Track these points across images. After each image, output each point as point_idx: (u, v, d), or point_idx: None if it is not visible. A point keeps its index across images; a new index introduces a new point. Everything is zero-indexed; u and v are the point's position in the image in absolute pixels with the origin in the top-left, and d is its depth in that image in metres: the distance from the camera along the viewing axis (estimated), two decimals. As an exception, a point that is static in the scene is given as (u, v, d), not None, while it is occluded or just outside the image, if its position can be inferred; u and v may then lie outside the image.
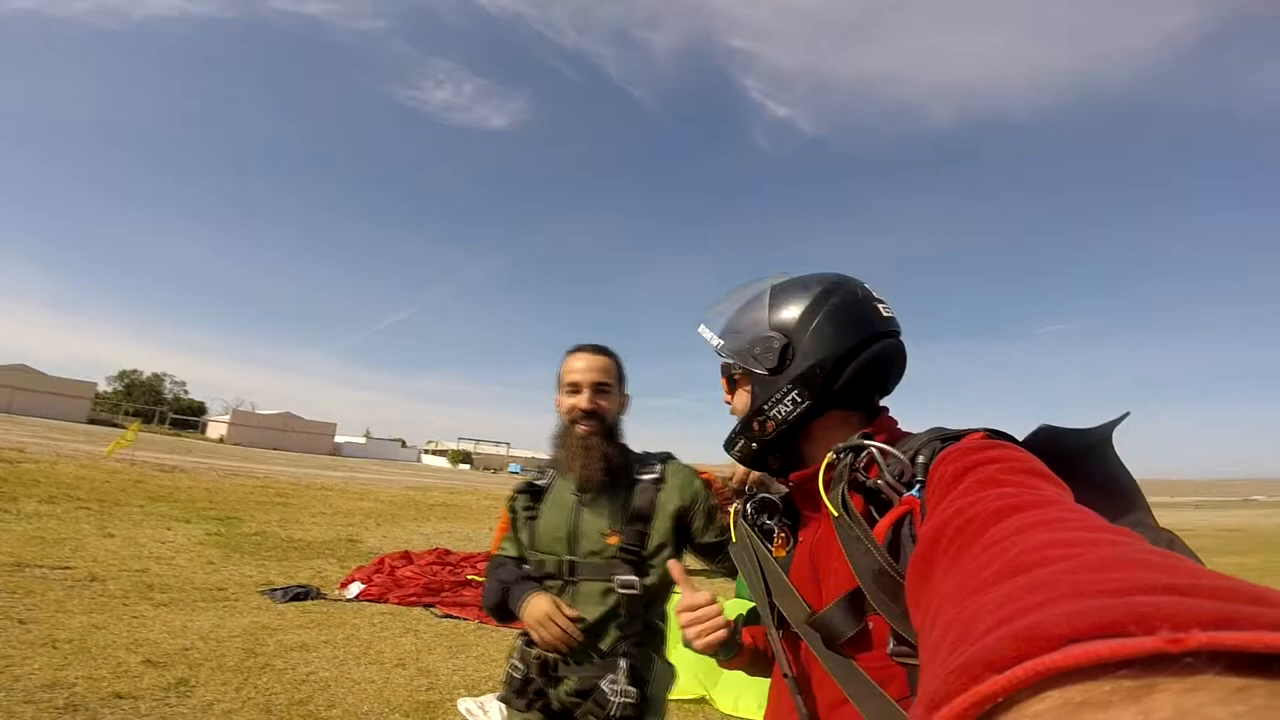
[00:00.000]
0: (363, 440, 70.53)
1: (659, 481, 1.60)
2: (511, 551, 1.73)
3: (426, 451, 78.55)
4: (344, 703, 3.26)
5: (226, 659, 3.59)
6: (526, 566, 1.68)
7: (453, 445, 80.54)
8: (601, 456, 1.58)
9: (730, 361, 1.02)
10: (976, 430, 0.73)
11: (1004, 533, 0.42)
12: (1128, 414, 0.69)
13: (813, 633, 0.82)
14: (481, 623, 5.26)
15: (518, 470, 66.63)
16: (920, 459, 0.72)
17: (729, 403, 1.05)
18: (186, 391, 72.91)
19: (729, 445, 1.02)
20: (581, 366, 1.63)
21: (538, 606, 1.50)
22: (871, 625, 0.76)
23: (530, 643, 1.56)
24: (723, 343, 1.02)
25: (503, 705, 3.34)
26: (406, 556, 7.14)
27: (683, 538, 1.59)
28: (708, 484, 1.63)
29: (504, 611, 1.59)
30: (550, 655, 1.53)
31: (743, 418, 0.99)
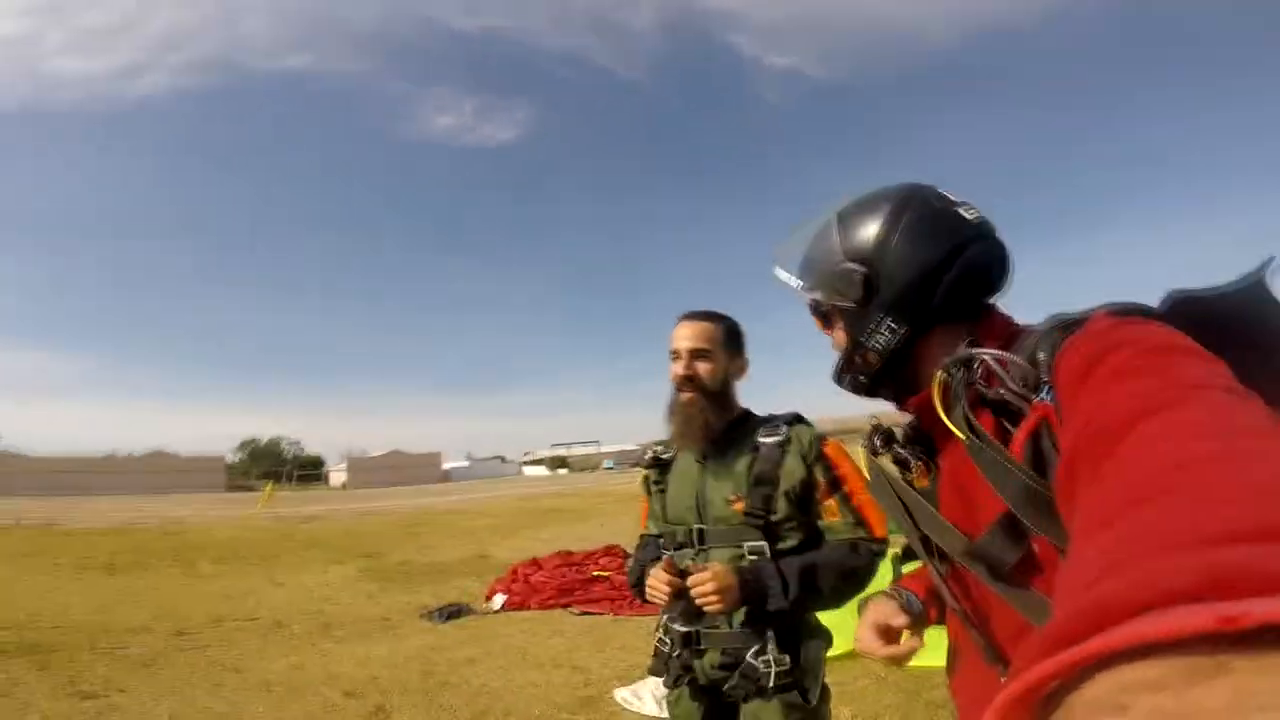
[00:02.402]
0: (467, 463, 73.77)
1: (785, 444, 1.54)
2: (654, 529, 1.77)
3: (525, 463, 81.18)
4: (517, 708, 3.51)
5: (410, 682, 3.96)
6: (662, 539, 1.71)
7: (547, 453, 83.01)
8: (702, 424, 1.56)
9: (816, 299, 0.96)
10: (1101, 308, 0.63)
11: (1131, 449, 0.39)
12: (1274, 258, 0.58)
13: (978, 564, 0.75)
14: (615, 615, 5.50)
15: (611, 466, 67.59)
16: (1041, 356, 0.64)
17: (828, 335, 0.99)
18: (302, 449, 78.74)
19: (837, 378, 0.96)
20: (679, 334, 1.62)
21: (652, 576, 1.51)
22: (1037, 547, 0.69)
23: (674, 617, 1.57)
24: (802, 283, 0.96)
25: (655, 687, 3.52)
26: (535, 563, 7.47)
27: (806, 511, 1.52)
28: (825, 455, 1.54)
29: (643, 589, 1.60)
30: (692, 628, 1.53)
31: (843, 352, 0.94)
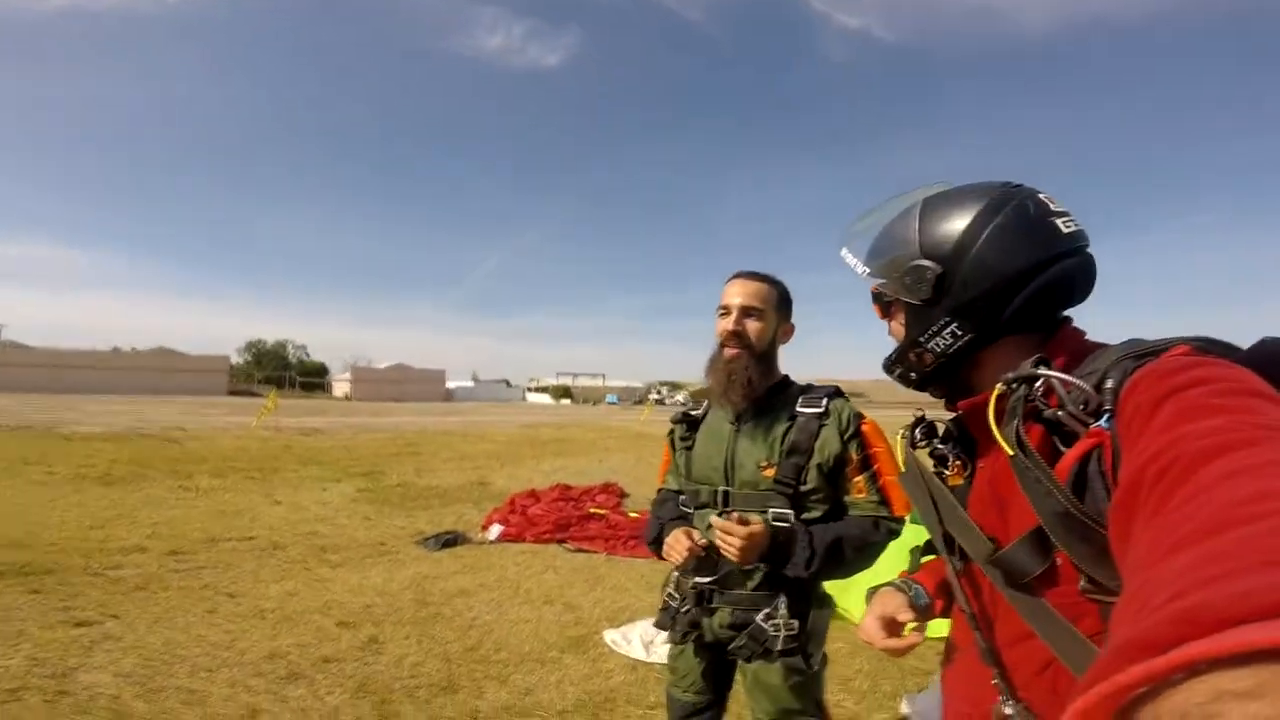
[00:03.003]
0: (471, 384, 74.58)
1: (823, 417, 1.54)
2: (674, 485, 1.78)
3: (530, 390, 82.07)
4: (508, 644, 3.56)
5: (403, 612, 3.99)
6: (683, 497, 1.71)
7: (553, 381, 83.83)
8: (745, 383, 1.54)
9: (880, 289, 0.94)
10: (1180, 341, 0.61)
11: (1208, 480, 0.37)
12: None
13: (995, 571, 0.77)
14: (609, 554, 5.58)
15: (614, 401, 68.94)
16: (1109, 383, 0.62)
17: (885, 322, 0.97)
18: (308, 355, 79.06)
19: (888, 368, 0.95)
20: (732, 290, 1.61)
21: (674, 536, 1.53)
22: (1059, 561, 0.71)
23: (685, 572, 1.58)
24: (868, 270, 0.93)
25: (643, 630, 3.55)
26: (534, 495, 7.57)
27: (834, 485, 1.54)
28: (861, 433, 1.54)
29: (661, 547, 1.61)
30: (705, 585, 1.55)
31: (899, 346, 0.92)
